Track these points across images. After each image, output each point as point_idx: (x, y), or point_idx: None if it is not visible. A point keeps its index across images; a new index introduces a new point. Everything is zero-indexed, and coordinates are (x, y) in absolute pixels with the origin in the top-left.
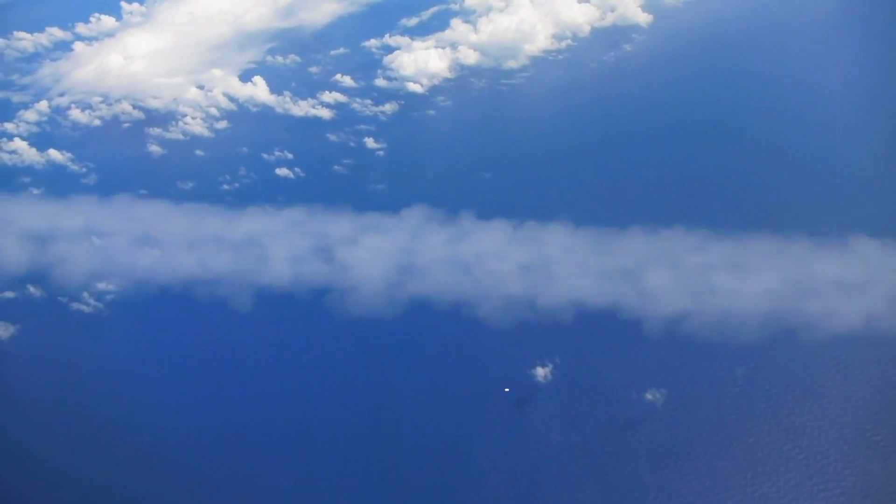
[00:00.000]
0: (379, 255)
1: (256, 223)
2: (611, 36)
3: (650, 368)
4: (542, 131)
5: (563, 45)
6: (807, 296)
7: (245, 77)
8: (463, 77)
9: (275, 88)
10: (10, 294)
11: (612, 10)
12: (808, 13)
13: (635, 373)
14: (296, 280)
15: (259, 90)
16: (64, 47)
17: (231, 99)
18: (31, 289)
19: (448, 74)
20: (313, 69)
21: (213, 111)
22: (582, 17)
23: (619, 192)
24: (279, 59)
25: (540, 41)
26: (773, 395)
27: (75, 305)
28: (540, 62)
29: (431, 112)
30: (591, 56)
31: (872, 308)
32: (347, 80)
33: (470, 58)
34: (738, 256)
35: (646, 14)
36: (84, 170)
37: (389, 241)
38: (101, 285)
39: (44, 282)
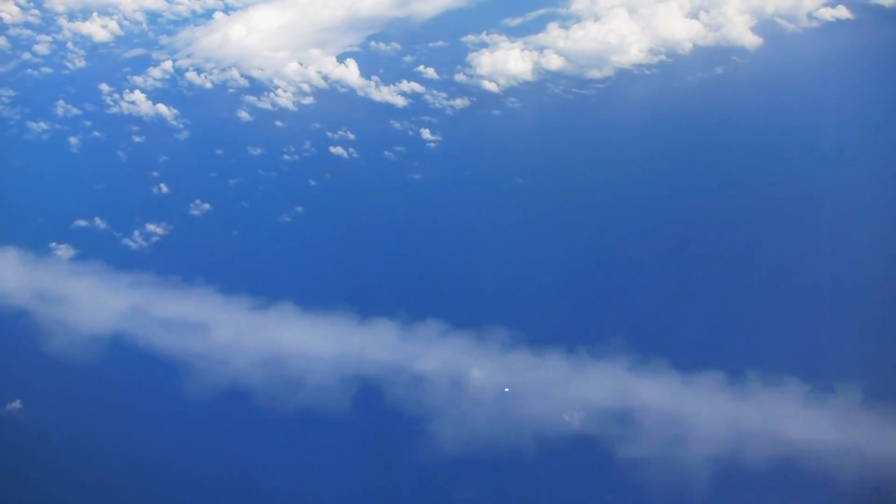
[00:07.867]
0: None
1: None
2: (709, 57)
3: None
4: (588, 143)
5: (656, 60)
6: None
7: (342, 58)
8: (542, 81)
9: (365, 72)
10: (82, 223)
11: (717, 30)
12: None
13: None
14: None
15: (350, 73)
16: (208, 15)
17: (324, 77)
18: (98, 220)
19: (530, 77)
20: (407, 58)
21: (305, 87)
22: (684, 34)
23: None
24: (381, 45)
25: (632, 53)
26: None
27: (126, 241)
28: (623, 75)
29: (496, 112)
30: (677, 75)
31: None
32: (430, 72)
33: (553, 63)
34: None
35: (755, 37)
36: (181, 126)
37: None
38: (151, 227)
39: (108, 216)
